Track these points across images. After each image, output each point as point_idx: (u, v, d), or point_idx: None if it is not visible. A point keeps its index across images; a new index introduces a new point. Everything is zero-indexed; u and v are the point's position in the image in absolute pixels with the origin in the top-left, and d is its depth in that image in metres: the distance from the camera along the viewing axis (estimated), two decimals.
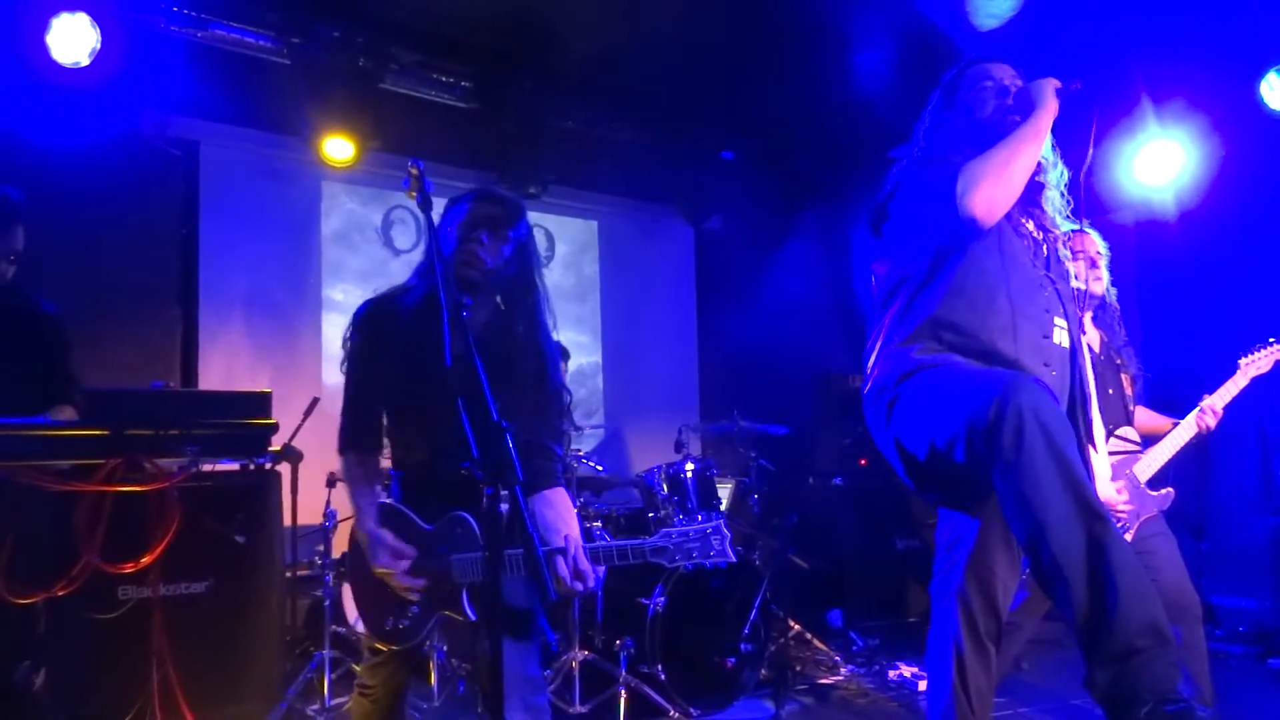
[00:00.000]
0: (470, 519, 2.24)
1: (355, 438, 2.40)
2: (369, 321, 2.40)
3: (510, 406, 2.03)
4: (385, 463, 2.48)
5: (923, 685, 4.30)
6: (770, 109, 6.49)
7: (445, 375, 1.86)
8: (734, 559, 2.23)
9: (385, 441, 2.46)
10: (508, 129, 6.01)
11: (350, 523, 2.43)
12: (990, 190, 2.15)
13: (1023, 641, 3.39)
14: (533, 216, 7.11)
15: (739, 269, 7.45)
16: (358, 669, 2.51)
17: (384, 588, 2.29)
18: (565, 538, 2.20)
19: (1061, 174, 2.50)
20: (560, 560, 2.17)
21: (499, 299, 2.41)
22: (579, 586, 2.18)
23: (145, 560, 2.86)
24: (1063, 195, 2.51)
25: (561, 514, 2.30)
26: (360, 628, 2.49)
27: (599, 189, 7.00)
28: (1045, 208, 2.47)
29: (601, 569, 2.24)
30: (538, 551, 1.71)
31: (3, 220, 3.00)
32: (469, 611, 2.24)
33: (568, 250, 6.93)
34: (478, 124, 5.94)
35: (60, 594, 2.71)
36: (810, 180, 7.47)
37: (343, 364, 2.42)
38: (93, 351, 4.06)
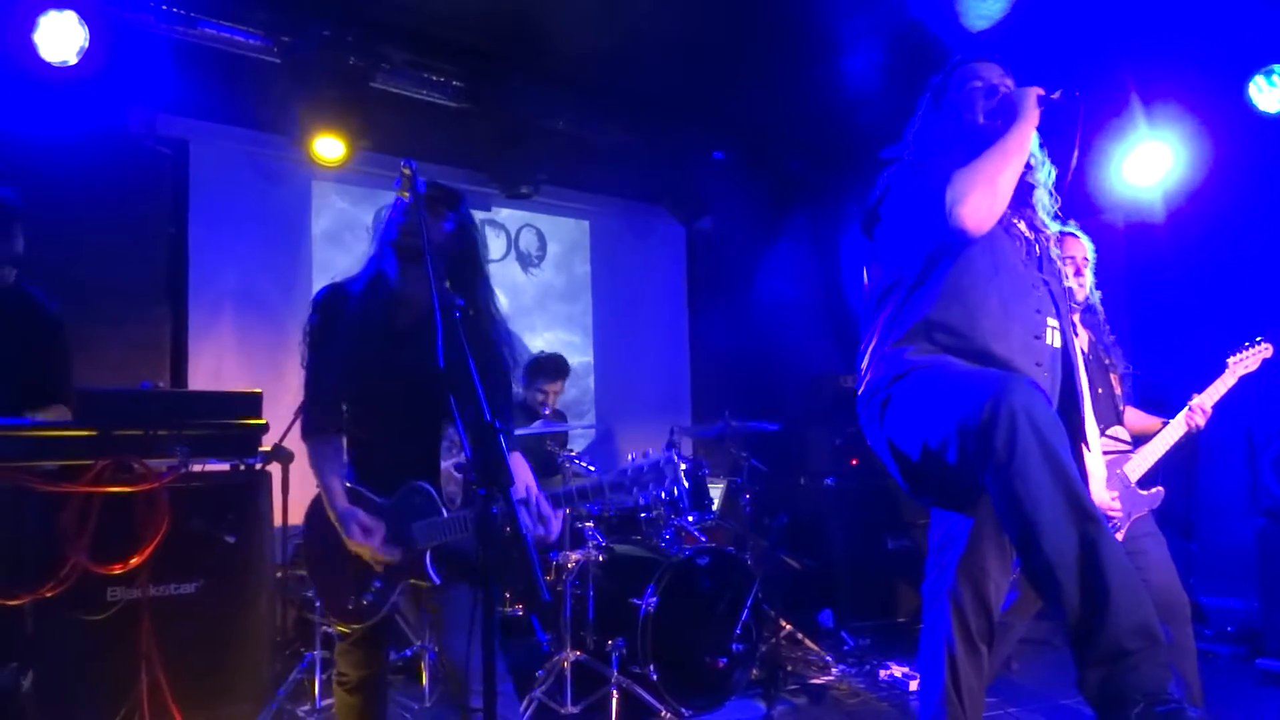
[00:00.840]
0: (428, 487, 2.36)
1: (319, 421, 2.48)
2: (324, 308, 2.48)
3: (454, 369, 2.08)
4: None
5: (914, 685, 4.32)
6: (761, 109, 6.50)
7: (438, 375, 1.90)
8: (688, 485, 2.30)
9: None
10: (499, 128, 6.01)
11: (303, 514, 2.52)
12: (977, 202, 2.17)
13: (1014, 641, 3.41)
14: (524, 216, 7.14)
15: (730, 269, 7.46)
16: (335, 660, 2.55)
17: (341, 568, 2.38)
18: (525, 488, 2.28)
19: (1050, 172, 2.52)
20: (522, 510, 2.18)
21: (447, 280, 2.44)
22: (542, 531, 2.28)
23: (134, 561, 2.85)
24: (1051, 194, 2.52)
25: (517, 472, 2.32)
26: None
27: (590, 189, 7.00)
28: (1036, 207, 2.49)
29: (562, 513, 2.34)
30: (532, 556, 1.71)
31: (2, 223, 2.98)
32: (433, 575, 2.33)
33: (559, 250, 6.92)
34: (468, 123, 5.94)
35: (48, 595, 2.69)
36: (801, 181, 7.48)
37: (302, 352, 2.49)
38: (81, 351, 4.01)
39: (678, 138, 6.75)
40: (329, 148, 5.26)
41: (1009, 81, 2.44)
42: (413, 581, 2.37)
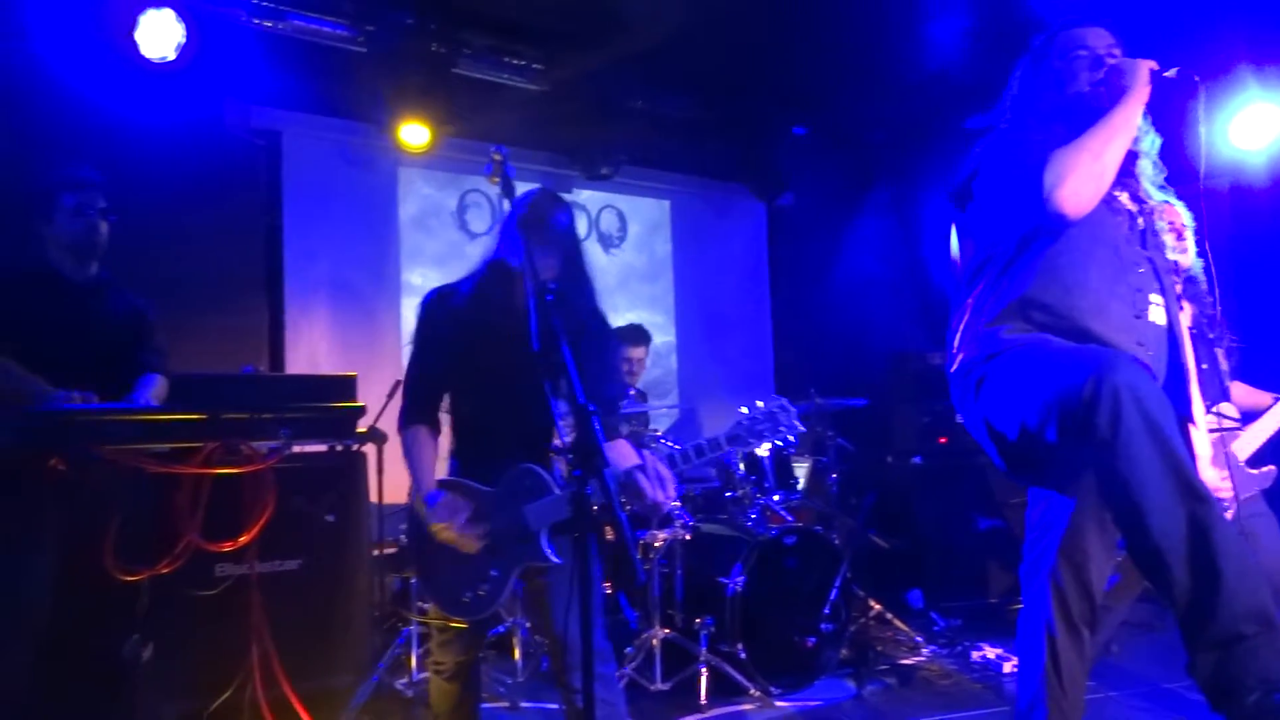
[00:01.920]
0: (535, 468, 2.35)
1: (416, 416, 2.53)
2: (432, 309, 2.54)
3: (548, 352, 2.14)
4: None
5: (1008, 667, 4.24)
6: (841, 82, 6.37)
7: (531, 359, 1.96)
8: (803, 429, 2.35)
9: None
10: (578, 110, 6.03)
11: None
12: (1079, 185, 2.08)
13: (1115, 624, 3.32)
14: (605, 197, 7.17)
15: (812, 246, 7.36)
16: (430, 648, 2.58)
17: (454, 563, 2.36)
18: (641, 454, 2.30)
19: (1154, 141, 2.41)
20: (640, 475, 2.25)
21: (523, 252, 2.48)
22: (661, 496, 2.27)
23: (243, 539, 2.95)
24: (1156, 164, 2.42)
25: (624, 452, 2.39)
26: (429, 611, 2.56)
27: (670, 168, 6.98)
28: (1139, 178, 2.39)
29: (676, 476, 2.34)
30: (627, 535, 1.73)
31: (79, 183, 3.09)
32: (550, 555, 2.31)
33: (640, 230, 6.92)
34: (549, 106, 5.97)
35: (164, 572, 2.81)
36: (884, 154, 7.34)
37: (407, 348, 2.57)
38: (183, 337, 4.19)
39: (757, 114, 6.68)
40: (414, 134, 5.36)
41: (1117, 51, 2.34)
42: (531, 565, 2.36)
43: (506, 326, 2.38)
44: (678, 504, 3.36)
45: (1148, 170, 2.40)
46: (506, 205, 2.26)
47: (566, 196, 6.45)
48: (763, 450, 2.40)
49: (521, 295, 2.40)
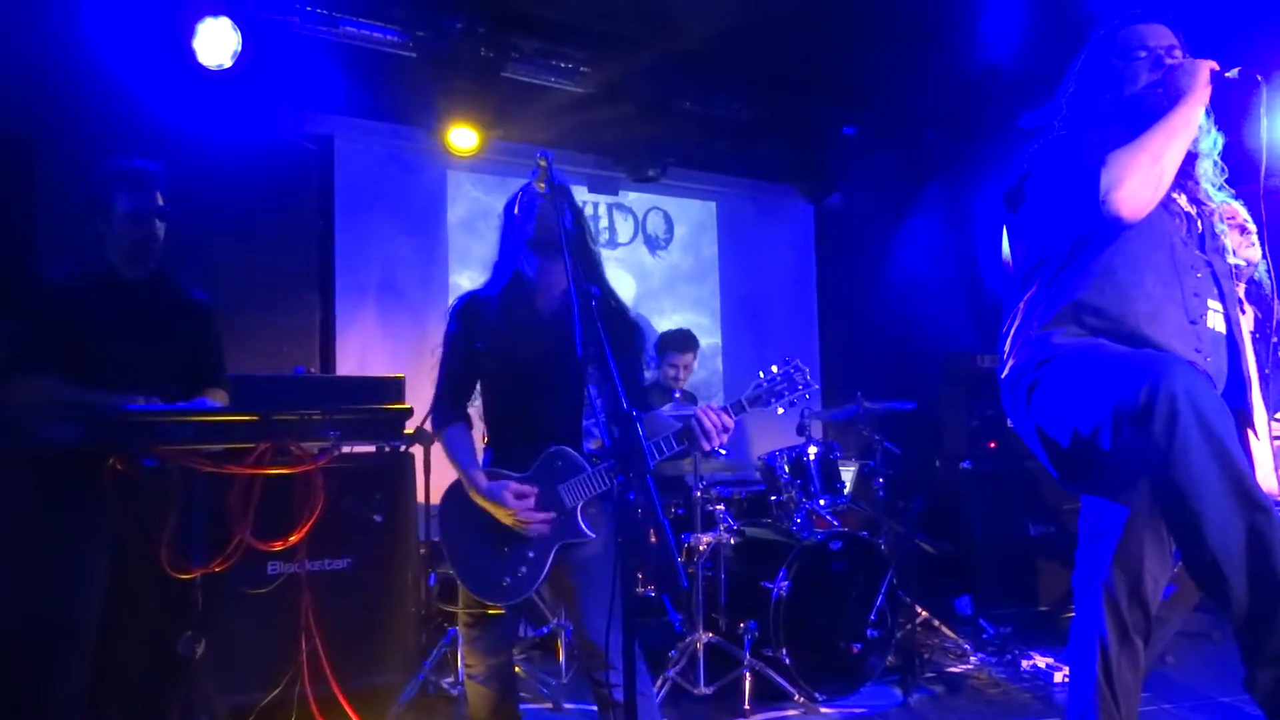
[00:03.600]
0: (567, 449, 2.47)
1: (451, 414, 2.61)
2: (463, 315, 2.65)
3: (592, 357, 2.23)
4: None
5: (1059, 677, 4.16)
6: (891, 81, 6.30)
7: (574, 363, 2.04)
8: (817, 386, 2.50)
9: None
10: (625, 112, 6.03)
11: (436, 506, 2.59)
12: (1136, 188, 2.04)
13: (1170, 635, 3.23)
14: (651, 199, 7.17)
15: (861, 246, 7.30)
16: (460, 653, 2.67)
17: (490, 547, 2.44)
18: (702, 407, 2.37)
19: (1216, 140, 2.34)
20: (695, 422, 2.34)
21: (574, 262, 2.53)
22: (722, 438, 2.36)
23: (293, 539, 3.00)
24: (1216, 164, 2.36)
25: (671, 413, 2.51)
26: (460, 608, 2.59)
27: (717, 169, 6.97)
28: (1199, 179, 2.33)
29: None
30: (670, 539, 1.73)
31: (145, 180, 3.12)
32: (586, 531, 2.43)
33: (686, 232, 6.92)
34: (596, 108, 5.98)
35: (216, 570, 2.86)
36: (935, 152, 7.22)
37: (439, 351, 2.67)
38: (237, 337, 4.27)
39: (805, 114, 6.62)
40: (463, 138, 5.42)
41: (1178, 50, 2.28)
42: (569, 543, 2.45)
43: (531, 331, 2.53)
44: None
45: (1208, 171, 2.34)
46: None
47: (611, 199, 6.50)
48: (780, 411, 2.48)
49: (543, 303, 2.57)
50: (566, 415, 2.55)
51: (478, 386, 2.67)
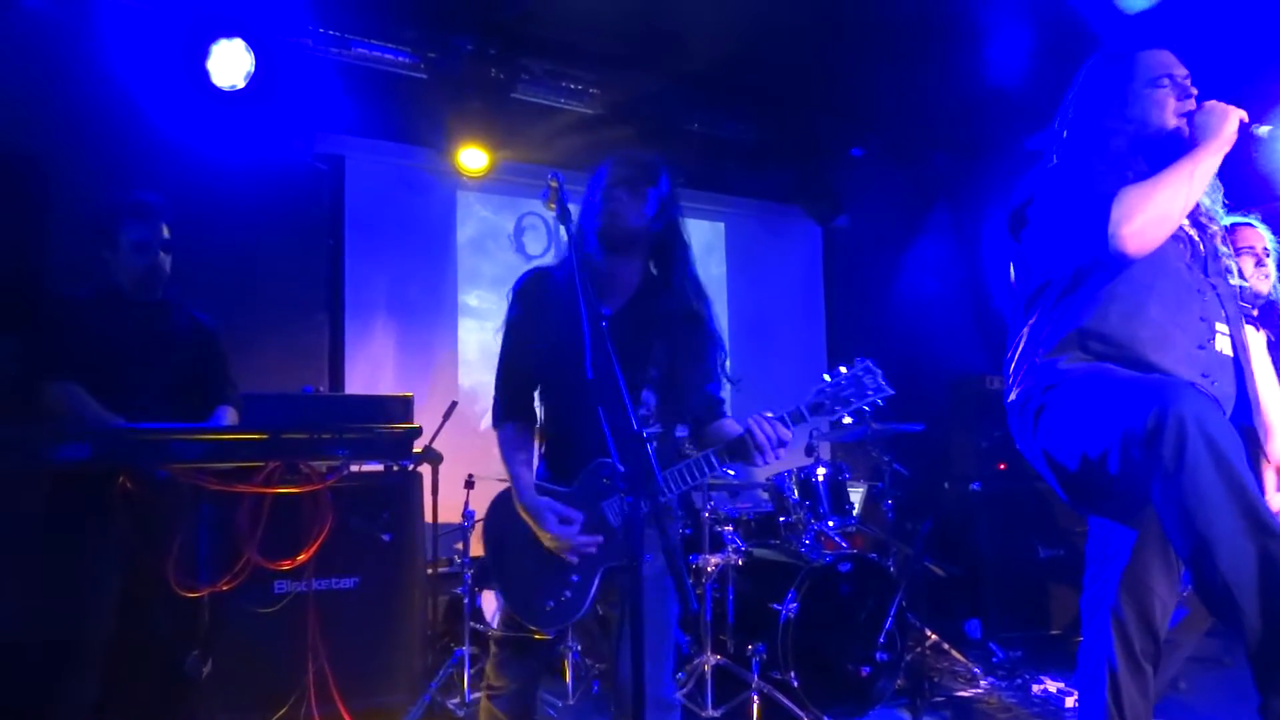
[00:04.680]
0: (610, 461, 2.17)
1: (511, 410, 2.40)
2: (528, 291, 2.41)
3: (674, 367, 2.22)
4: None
5: (1070, 702, 4.13)
6: (899, 103, 6.33)
7: (587, 387, 1.88)
8: (892, 391, 2.23)
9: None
10: (634, 133, 6.06)
11: (481, 524, 2.45)
12: (1146, 228, 2.04)
13: (1181, 660, 3.21)
14: None
15: (869, 268, 7.30)
16: (486, 671, 2.39)
17: (535, 567, 2.24)
18: (755, 418, 2.20)
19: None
20: (750, 436, 2.18)
21: (650, 262, 2.44)
22: (779, 452, 2.20)
23: (301, 557, 3.01)
24: (1213, 185, 2.34)
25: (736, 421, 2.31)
26: (497, 625, 2.42)
27: (725, 190, 6.97)
28: (1201, 199, 2.32)
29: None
30: (679, 560, 1.72)
31: (151, 212, 3.16)
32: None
33: (694, 252, 6.91)
34: (604, 129, 6.01)
35: (224, 589, 2.87)
36: (943, 174, 7.25)
37: (498, 335, 2.42)
38: (246, 356, 4.29)
39: (812, 135, 6.65)
40: (473, 158, 5.45)
41: (1190, 85, 2.26)
42: (617, 566, 2.24)
43: (608, 312, 2.31)
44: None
45: (1209, 195, 2.33)
46: (563, 232, 2.19)
47: None
48: (848, 420, 2.26)
49: (610, 302, 2.37)
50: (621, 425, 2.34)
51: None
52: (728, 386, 2.53)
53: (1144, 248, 2.05)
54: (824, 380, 2.24)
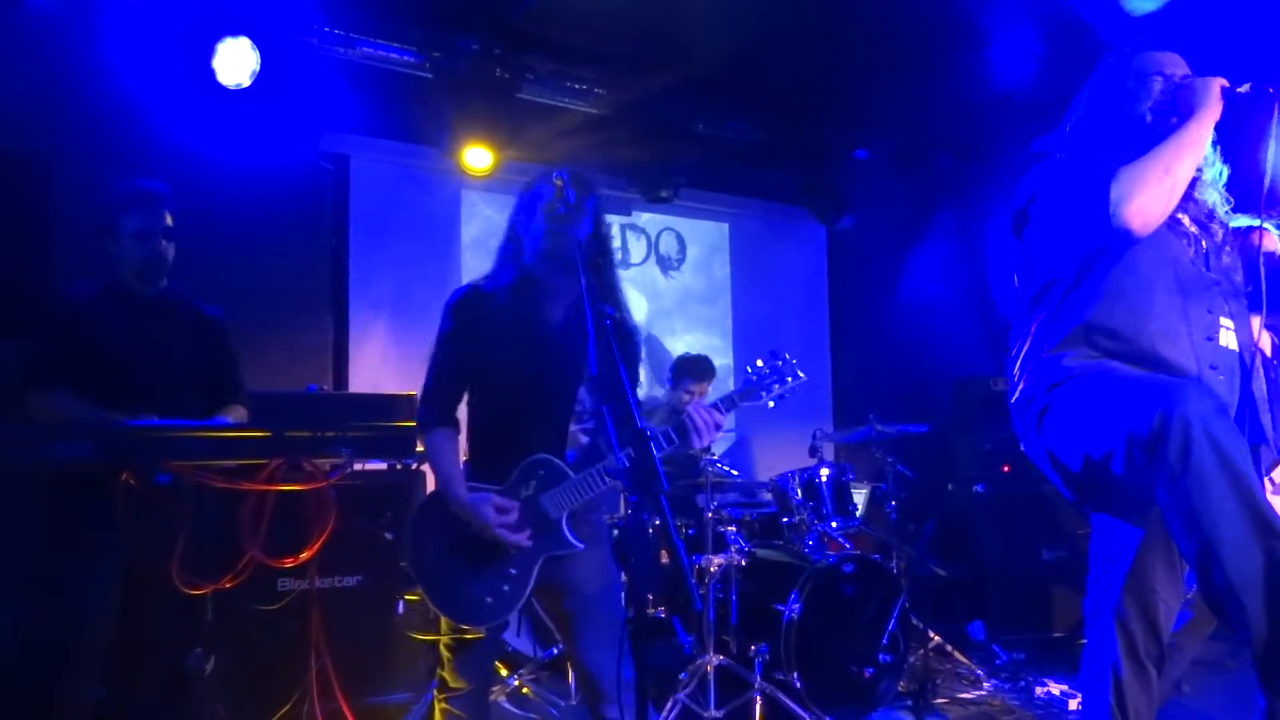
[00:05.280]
0: (549, 457, 2.38)
1: (441, 417, 2.49)
2: (461, 309, 2.50)
3: (606, 378, 2.19)
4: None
5: (1073, 704, 4.12)
6: (904, 105, 6.34)
7: (575, 376, 1.95)
8: (804, 377, 2.50)
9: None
10: (639, 133, 6.07)
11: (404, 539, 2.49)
12: (1146, 201, 2.03)
13: (1185, 663, 3.19)
14: (664, 220, 7.18)
15: (873, 269, 7.29)
16: (441, 674, 2.44)
17: (470, 564, 2.33)
18: (692, 404, 2.40)
19: (1221, 171, 2.34)
20: (687, 419, 2.34)
21: (585, 274, 2.46)
22: (713, 435, 2.38)
23: (304, 555, 3.00)
24: (1223, 195, 2.35)
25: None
26: (444, 630, 2.45)
27: (730, 190, 6.99)
28: (1203, 200, 2.32)
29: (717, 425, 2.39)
30: (683, 559, 1.72)
31: (151, 201, 3.14)
32: (573, 541, 2.35)
33: (698, 253, 6.93)
34: (609, 129, 6.01)
35: (227, 586, 2.87)
36: (947, 177, 7.24)
37: (433, 348, 2.54)
38: (250, 354, 4.28)
39: (818, 137, 6.66)
40: (477, 158, 5.45)
41: (1190, 77, 2.28)
42: (555, 556, 2.36)
43: (535, 334, 2.45)
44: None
45: (1212, 195, 2.33)
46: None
47: (624, 219, 6.50)
48: (771, 404, 2.47)
49: (551, 310, 2.47)
50: (557, 429, 2.47)
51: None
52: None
53: (1147, 224, 2.05)
54: (748, 371, 2.50)
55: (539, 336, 2.45)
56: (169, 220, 3.14)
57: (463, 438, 2.57)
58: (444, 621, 2.42)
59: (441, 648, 2.45)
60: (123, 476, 2.73)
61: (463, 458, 2.53)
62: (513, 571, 2.34)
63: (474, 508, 2.32)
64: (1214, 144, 2.26)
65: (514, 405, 2.46)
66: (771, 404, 2.47)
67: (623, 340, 2.47)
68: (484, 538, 2.32)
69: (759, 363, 2.48)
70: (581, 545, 2.34)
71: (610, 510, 4.03)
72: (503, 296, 2.45)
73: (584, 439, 2.58)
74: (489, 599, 2.34)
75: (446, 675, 2.42)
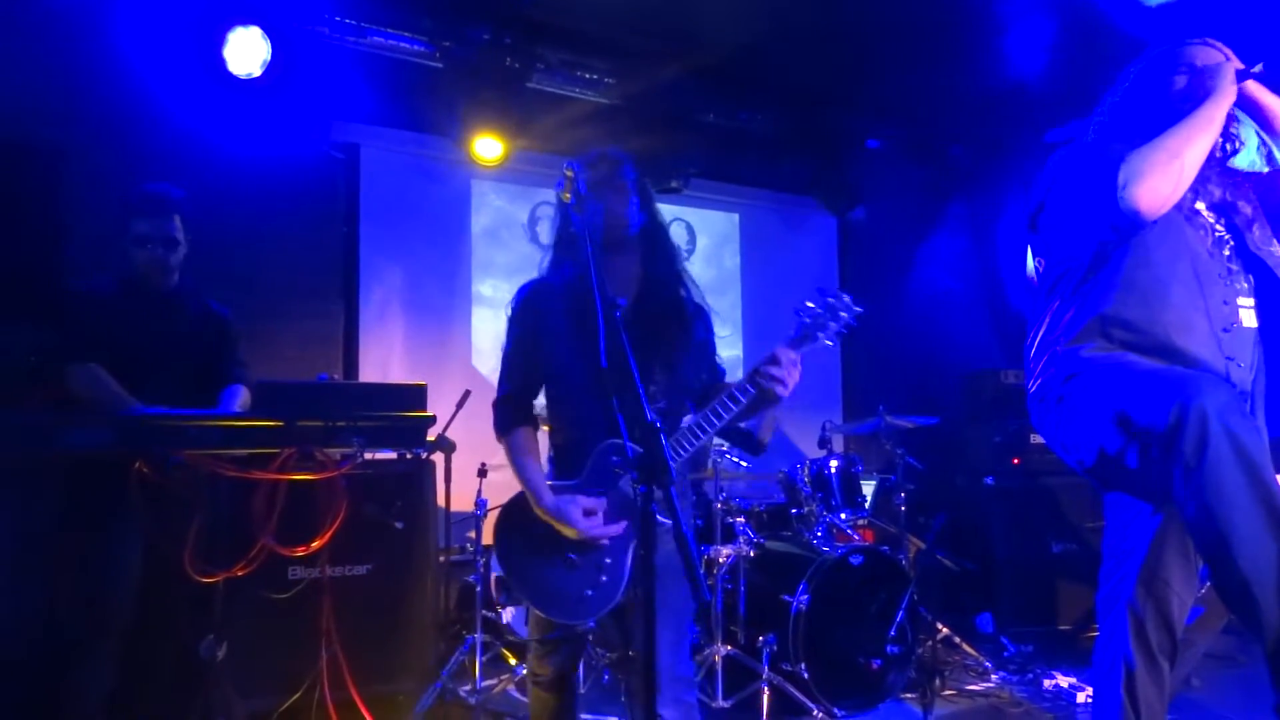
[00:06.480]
0: (616, 441, 2.27)
1: (519, 416, 2.42)
2: (529, 304, 2.45)
3: (675, 357, 2.29)
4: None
5: (1081, 697, 4.11)
6: (916, 95, 6.31)
7: (601, 376, 1.91)
8: (860, 310, 2.38)
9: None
10: (649, 123, 6.05)
11: (492, 525, 2.43)
12: (1156, 183, 2.01)
13: (1196, 658, 3.18)
14: (673, 210, 7.17)
15: (884, 261, 7.27)
16: (528, 659, 2.44)
17: (564, 562, 2.28)
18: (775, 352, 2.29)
19: (1253, 161, 2.32)
20: (766, 368, 2.27)
21: (645, 257, 2.48)
22: (795, 375, 2.30)
23: (315, 544, 3.01)
24: (1241, 174, 2.33)
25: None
26: (531, 631, 2.44)
27: (740, 181, 6.97)
28: (1222, 188, 2.30)
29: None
30: (692, 550, 1.72)
31: (157, 208, 3.18)
32: (661, 516, 2.16)
33: (708, 243, 6.92)
34: (620, 119, 6.00)
35: (239, 574, 2.88)
36: (960, 167, 7.22)
37: (479, 356, 2.48)
38: (261, 344, 4.31)
39: (829, 127, 6.64)
40: (488, 147, 5.44)
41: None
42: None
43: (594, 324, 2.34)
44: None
45: (1233, 181, 2.31)
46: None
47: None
48: (829, 343, 2.37)
49: (631, 267, 2.43)
50: (629, 413, 2.34)
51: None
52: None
53: (1155, 205, 2.02)
54: (799, 314, 2.37)
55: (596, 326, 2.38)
56: (177, 225, 3.22)
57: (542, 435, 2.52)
58: (533, 619, 2.40)
59: (532, 642, 2.45)
60: (136, 464, 2.74)
61: (546, 458, 2.47)
62: (608, 560, 2.29)
63: (564, 516, 2.26)
64: (1235, 122, 2.22)
65: (588, 397, 2.33)
66: (829, 343, 2.37)
67: (690, 320, 2.47)
68: (574, 542, 2.27)
69: (809, 304, 2.36)
70: (668, 521, 2.14)
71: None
72: (566, 286, 2.40)
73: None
74: (589, 592, 2.28)
75: (532, 661, 2.44)
